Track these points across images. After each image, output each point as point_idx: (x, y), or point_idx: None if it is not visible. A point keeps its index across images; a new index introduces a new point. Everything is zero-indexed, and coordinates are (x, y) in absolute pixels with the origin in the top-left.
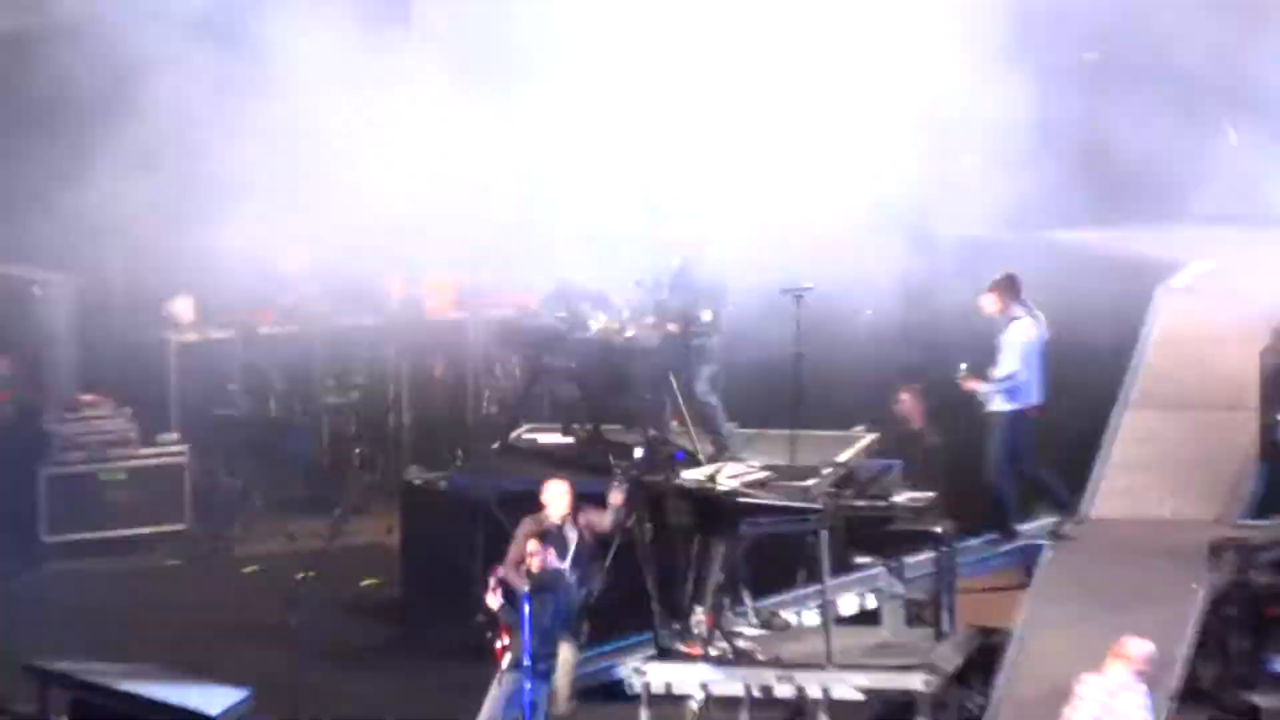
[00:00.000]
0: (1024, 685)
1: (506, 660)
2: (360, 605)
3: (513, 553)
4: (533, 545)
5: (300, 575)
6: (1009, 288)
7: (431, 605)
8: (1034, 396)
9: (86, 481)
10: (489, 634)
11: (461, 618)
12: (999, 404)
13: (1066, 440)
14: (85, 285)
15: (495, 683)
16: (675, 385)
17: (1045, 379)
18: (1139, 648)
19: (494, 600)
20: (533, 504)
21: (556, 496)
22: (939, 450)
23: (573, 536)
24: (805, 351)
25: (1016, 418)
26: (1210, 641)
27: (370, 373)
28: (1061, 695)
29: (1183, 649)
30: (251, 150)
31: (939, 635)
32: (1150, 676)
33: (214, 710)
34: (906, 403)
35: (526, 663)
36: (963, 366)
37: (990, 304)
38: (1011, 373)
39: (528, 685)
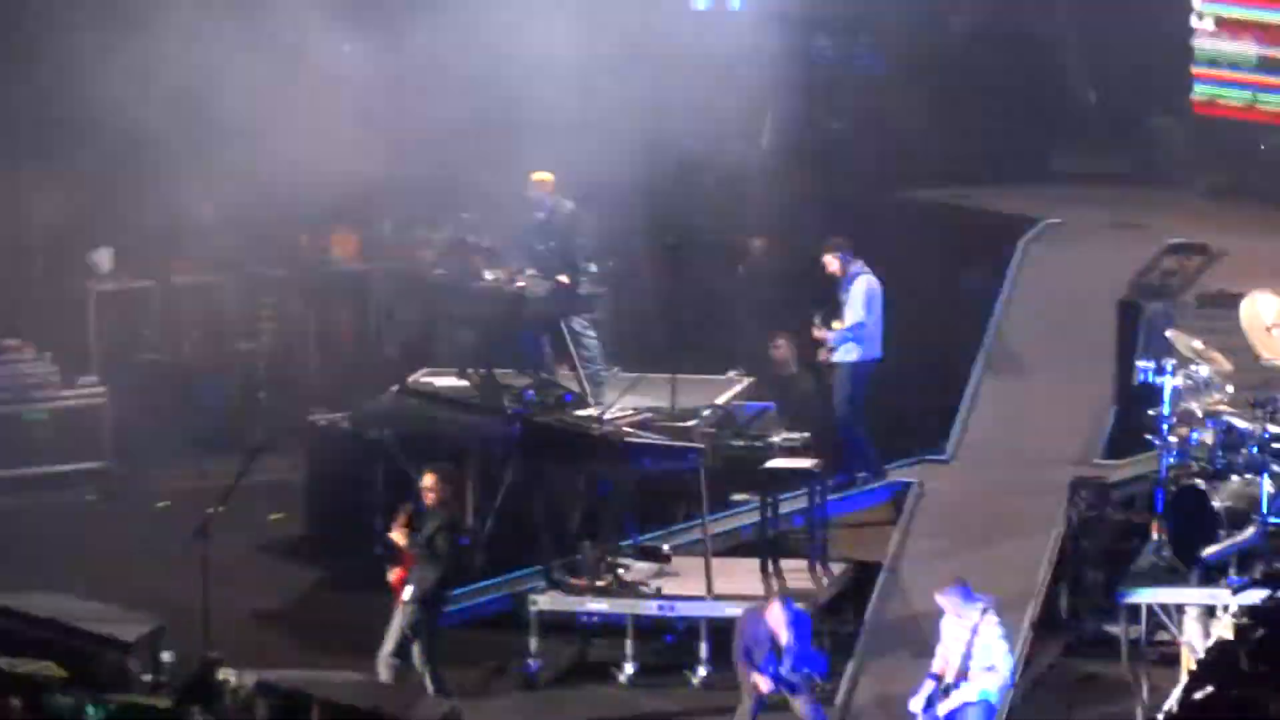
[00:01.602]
0: (892, 615)
1: (407, 591)
2: (267, 539)
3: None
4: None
5: (210, 510)
6: (847, 246)
7: (333, 538)
8: (877, 350)
9: (10, 422)
10: (387, 566)
11: (362, 550)
12: (845, 355)
13: (934, 385)
14: (8, 236)
15: (397, 611)
16: (564, 331)
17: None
18: (948, 599)
19: (400, 536)
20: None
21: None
22: (813, 393)
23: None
24: (684, 303)
25: (860, 368)
26: (1067, 574)
27: (279, 320)
28: (927, 624)
29: (1041, 581)
30: (165, 103)
31: (813, 569)
32: (1003, 602)
33: (129, 638)
34: (782, 348)
35: None
36: (816, 316)
37: (831, 263)
38: (859, 323)
39: None
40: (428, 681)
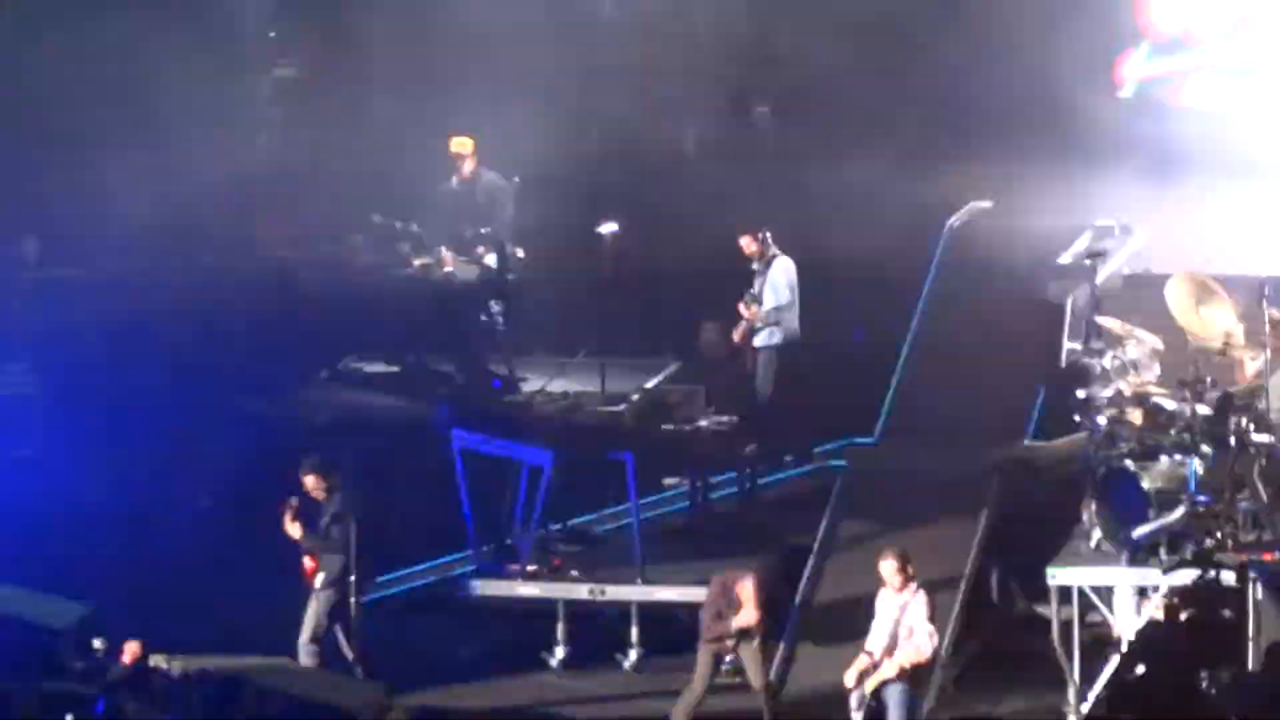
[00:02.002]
0: (822, 596)
1: (319, 579)
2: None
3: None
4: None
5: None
6: (762, 229)
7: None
8: (796, 329)
9: None
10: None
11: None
12: (769, 339)
13: (861, 368)
14: None
15: (312, 599)
16: (491, 318)
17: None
18: (888, 565)
19: (294, 530)
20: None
21: None
22: (743, 377)
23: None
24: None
25: (784, 351)
26: (997, 555)
27: (209, 308)
28: (857, 605)
29: (971, 563)
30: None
31: (744, 552)
32: (933, 583)
33: (59, 624)
34: (711, 331)
35: None
36: (748, 294)
37: (749, 245)
38: (786, 302)
39: None
40: (356, 666)
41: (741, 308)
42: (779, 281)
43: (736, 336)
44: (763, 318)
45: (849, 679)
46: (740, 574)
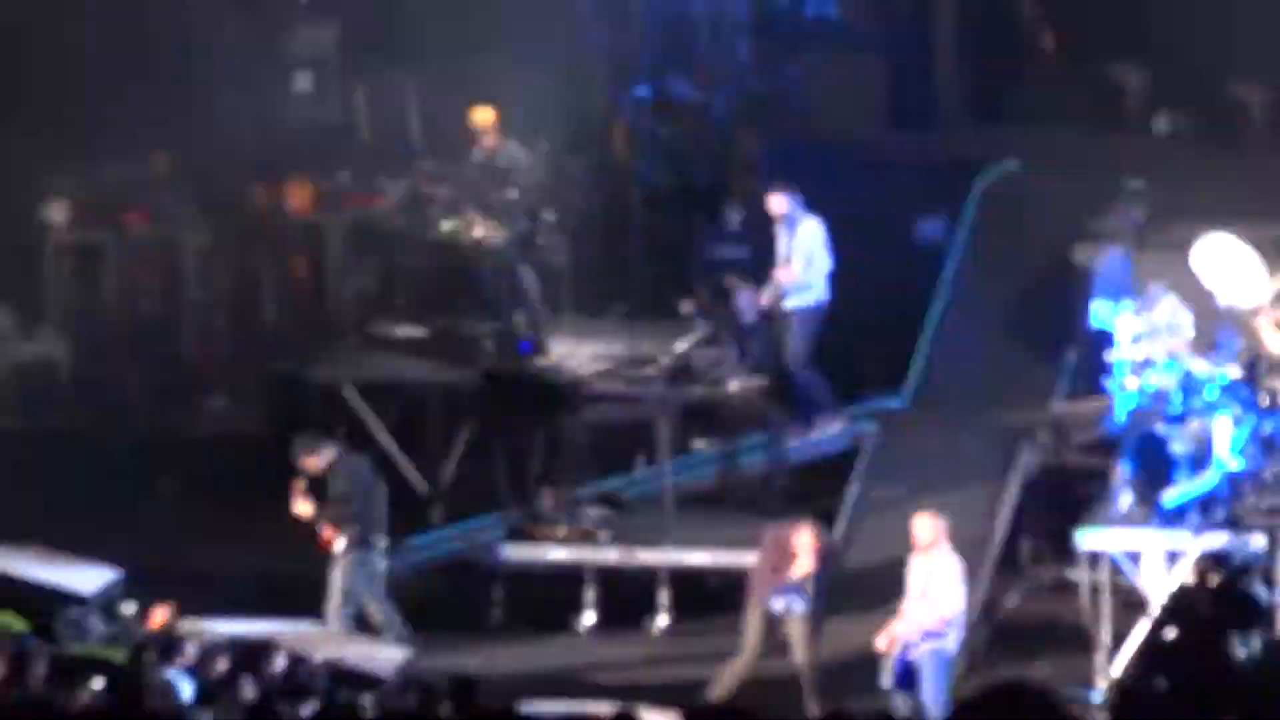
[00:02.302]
0: (853, 561)
1: (339, 544)
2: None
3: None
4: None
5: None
6: (793, 189)
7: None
8: (827, 293)
9: None
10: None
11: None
12: (802, 300)
13: (891, 332)
14: None
15: (335, 566)
16: (522, 281)
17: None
18: (922, 525)
19: (304, 508)
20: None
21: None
22: (772, 340)
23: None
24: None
25: (818, 312)
26: (1026, 519)
27: (237, 271)
28: (887, 569)
29: (1000, 526)
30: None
31: (773, 515)
32: (963, 547)
33: (88, 590)
34: (745, 296)
35: None
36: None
37: (779, 204)
38: (820, 263)
39: None
40: (386, 628)
41: (778, 271)
42: (809, 243)
43: (765, 300)
44: (800, 280)
45: (880, 643)
46: (796, 525)
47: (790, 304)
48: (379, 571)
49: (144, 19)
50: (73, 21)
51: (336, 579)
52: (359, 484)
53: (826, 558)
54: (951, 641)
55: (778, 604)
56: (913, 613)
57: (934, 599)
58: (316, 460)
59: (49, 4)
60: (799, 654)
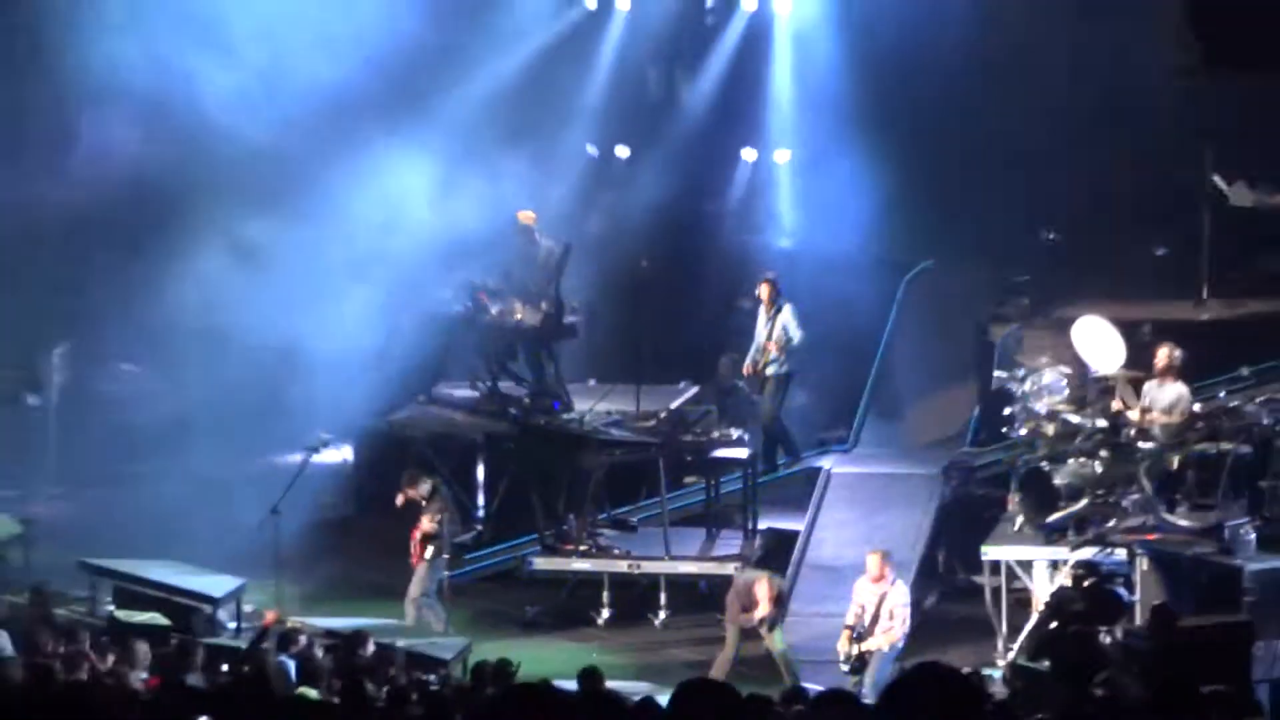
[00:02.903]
0: (808, 571)
1: (429, 553)
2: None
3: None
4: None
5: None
6: (776, 280)
7: (375, 514)
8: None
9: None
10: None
11: (395, 523)
12: (779, 368)
13: (839, 391)
14: None
15: (421, 565)
16: (552, 353)
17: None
18: (873, 561)
19: (428, 525)
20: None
21: None
22: (747, 399)
23: None
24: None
25: (791, 379)
26: (942, 537)
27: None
28: (837, 578)
29: (922, 542)
30: None
31: (746, 534)
32: (899, 567)
33: (218, 594)
34: (725, 365)
35: None
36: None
37: (765, 292)
38: (799, 341)
39: None
40: (437, 617)
41: (771, 346)
42: (794, 322)
43: (746, 370)
44: (779, 353)
45: (840, 648)
46: (756, 576)
47: (770, 370)
48: (443, 576)
49: None
50: None
51: (420, 580)
52: (447, 512)
53: (778, 599)
54: (898, 645)
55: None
56: (881, 634)
57: (897, 621)
58: (418, 490)
59: None
60: (772, 651)
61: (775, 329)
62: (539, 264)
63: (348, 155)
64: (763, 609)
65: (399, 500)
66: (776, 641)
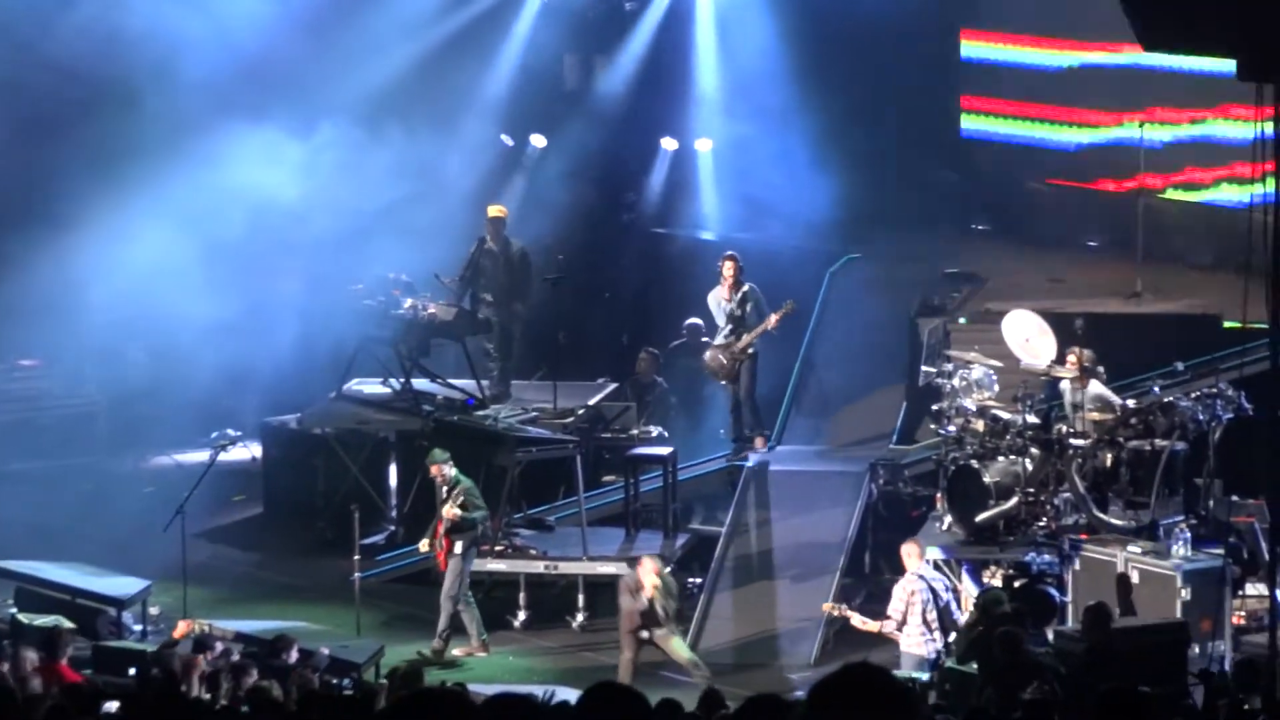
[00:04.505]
0: (731, 569)
1: (459, 547)
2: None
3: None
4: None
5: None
6: (738, 259)
7: (284, 513)
8: None
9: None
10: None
11: (305, 523)
12: (755, 346)
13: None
14: None
15: (459, 562)
16: (465, 349)
17: None
18: (904, 548)
19: (453, 510)
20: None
21: None
22: (666, 395)
23: None
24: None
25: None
26: (870, 536)
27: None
28: (760, 576)
29: (849, 541)
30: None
31: (666, 534)
32: (820, 558)
33: (123, 596)
34: (645, 360)
35: None
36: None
37: (731, 270)
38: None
39: None
40: (474, 621)
41: (773, 317)
42: (762, 301)
43: (718, 352)
44: (760, 331)
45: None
46: (640, 561)
47: (754, 349)
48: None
49: None
50: None
51: (454, 576)
52: (477, 499)
53: (666, 591)
54: (921, 649)
55: (643, 634)
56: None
57: (893, 617)
58: (445, 471)
59: None
60: (678, 659)
61: (746, 310)
62: (506, 261)
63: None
64: (648, 589)
65: (452, 498)
66: (680, 649)
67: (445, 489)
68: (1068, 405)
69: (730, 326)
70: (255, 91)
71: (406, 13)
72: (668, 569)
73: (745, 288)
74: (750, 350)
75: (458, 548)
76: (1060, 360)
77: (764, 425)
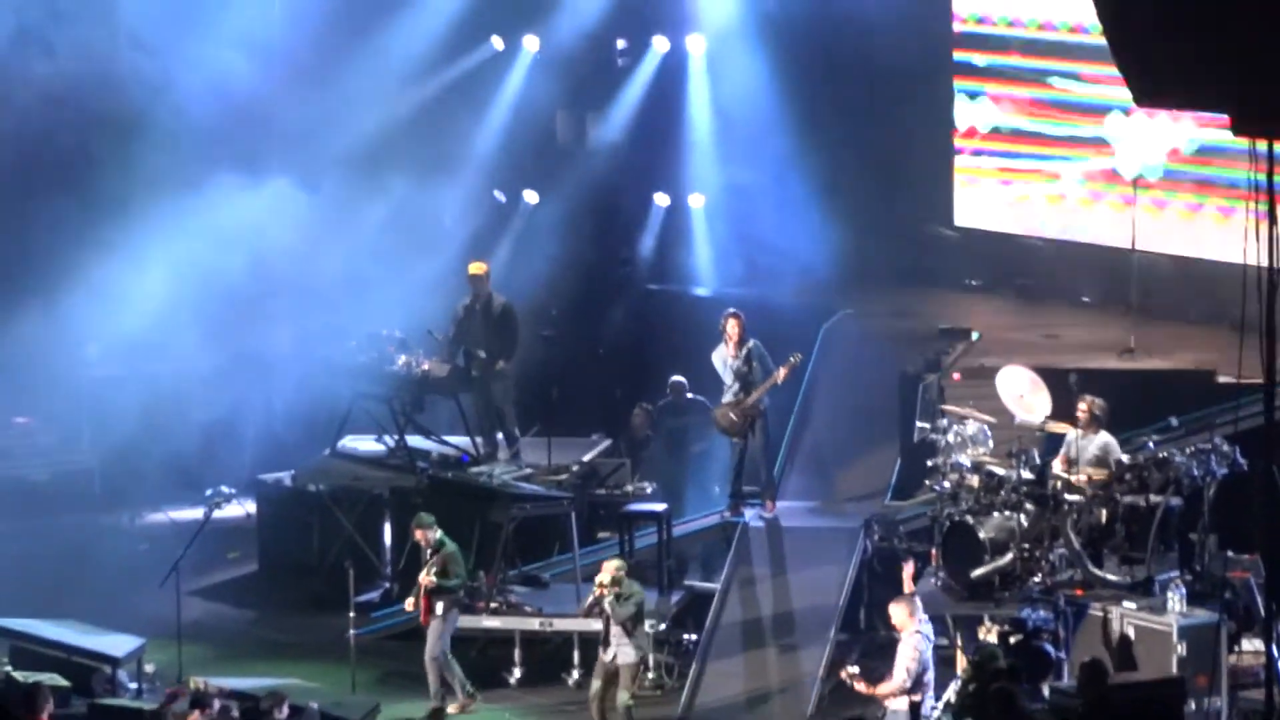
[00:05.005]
0: (725, 627)
1: (439, 609)
2: (228, 572)
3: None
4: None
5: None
6: (741, 316)
7: (279, 570)
8: None
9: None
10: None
11: (300, 580)
12: (765, 401)
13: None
14: None
15: (439, 624)
16: (459, 406)
17: None
18: (891, 608)
19: (430, 577)
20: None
21: None
22: (660, 453)
23: None
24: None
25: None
26: (864, 592)
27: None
28: (753, 635)
29: (843, 598)
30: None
31: (661, 590)
32: (814, 614)
33: (118, 653)
34: (639, 416)
35: None
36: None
37: (734, 328)
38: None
39: None
40: (455, 677)
41: (781, 371)
42: (767, 358)
43: (728, 410)
44: (769, 386)
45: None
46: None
47: (765, 405)
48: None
49: None
50: None
51: (434, 638)
52: (461, 561)
53: (618, 583)
54: (924, 707)
55: (607, 654)
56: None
57: (895, 676)
58: (430, 535)
59: None
60: (620, 693)
61: (753, 366)
62: (487, 317)
63: (233, 192)
64: (596, 587)
65: (429, 564)
66: (624, 697)
67: (429, 552)
68: (1072, 453)
69: (737, 384)
70: (247, 143)
71: (398, 66)
72: (648, 605)
73: (749, 344)
74: (761, 406)
75: (438, 609)
76: (1066, 414)
77: (776, 487)
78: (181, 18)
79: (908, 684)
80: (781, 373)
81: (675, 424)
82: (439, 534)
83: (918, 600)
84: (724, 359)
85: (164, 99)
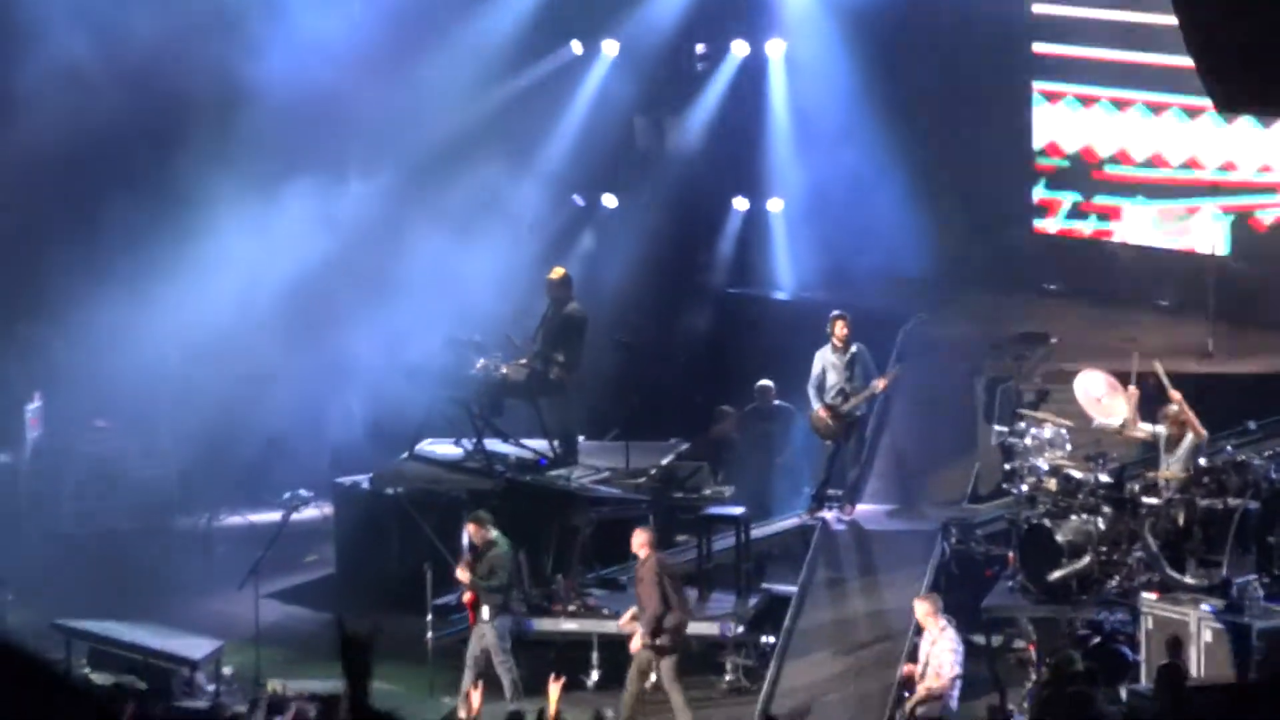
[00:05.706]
0: (803, 628)
1: (484, 613)
2: (305, 575)
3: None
4: None
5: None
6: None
7: (356, 573)
8: None
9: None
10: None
11: (378, 582)
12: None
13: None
14: None
15: (484, 628)
16: (538, 409)
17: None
18: (920, 605)
19: (463, 575)
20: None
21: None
22: (741, 456)
23: None
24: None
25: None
26: (943, 595)
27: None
28: (832, 635)
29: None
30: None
31: (739, 593)
32: (892, 618)
33: (196, 656)
34: (726, 419)
35: None
36: (895, 366)
37: (842, 329)
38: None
39: None
40: (507, 684)
41: (880, 382)
42: (870, 361)
43: (823, 412)
44: (867, 396)
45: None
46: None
47: (862, 410)
48: (509, 631)
49: None
50: None
51: (491, 640)
52: (509, 565)
53: (652, 545)
54: (953, 701)
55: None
56: (925, 681)
57: (935, 670)
58: (484, 534)
59: None
60: (669, 691)
61: (854, 371)
62: (560, 322)
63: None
64: (640, 555)
65: (464, 560)
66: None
67: (479, 550)
68: (1161, 449)
69: (840, 387)
70: (327, 143)
71: (477, 69)
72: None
73: (854, 348)
74: (858, 412)
75: (484, 613)
76: (1152, 416)
77: (858, 495)
78: (262, 16)
79: (959, 678)
80: (880, 383)
81: (762, 429)
82: (495, 534)
83: (938, 598)
84: (829, 361)
85: (245, 96)
